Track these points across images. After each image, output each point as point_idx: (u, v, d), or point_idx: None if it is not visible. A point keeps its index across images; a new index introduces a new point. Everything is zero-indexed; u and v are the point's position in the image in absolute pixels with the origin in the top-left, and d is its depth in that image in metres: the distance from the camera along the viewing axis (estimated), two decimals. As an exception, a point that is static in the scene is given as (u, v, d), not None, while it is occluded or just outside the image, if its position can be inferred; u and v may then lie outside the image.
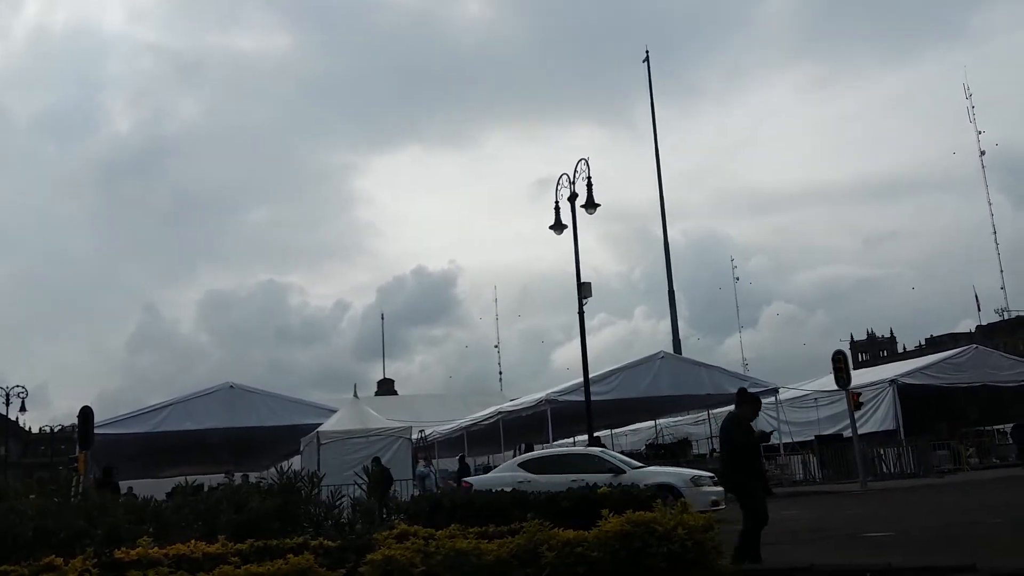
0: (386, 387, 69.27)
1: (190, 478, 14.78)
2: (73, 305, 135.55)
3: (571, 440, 35.14)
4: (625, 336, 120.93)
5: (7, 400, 39.07)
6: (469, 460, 28.69)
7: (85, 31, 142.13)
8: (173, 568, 6.65)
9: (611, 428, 35.95)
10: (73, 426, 32.55)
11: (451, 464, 30.07)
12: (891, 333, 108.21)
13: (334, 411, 26.84)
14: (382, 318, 71.59)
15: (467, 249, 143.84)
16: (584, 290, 22.03)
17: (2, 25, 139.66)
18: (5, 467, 59.72)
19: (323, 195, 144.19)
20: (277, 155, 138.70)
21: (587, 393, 21.73)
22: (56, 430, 75.23)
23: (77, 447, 22.36)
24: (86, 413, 21.28)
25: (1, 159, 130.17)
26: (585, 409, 21.64)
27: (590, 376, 22.36)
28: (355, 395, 28.66)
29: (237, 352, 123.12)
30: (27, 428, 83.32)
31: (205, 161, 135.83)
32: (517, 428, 28.67)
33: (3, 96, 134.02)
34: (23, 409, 40.97)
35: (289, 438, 27.10)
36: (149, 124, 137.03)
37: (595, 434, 23.10)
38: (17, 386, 39.88)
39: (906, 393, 28.84)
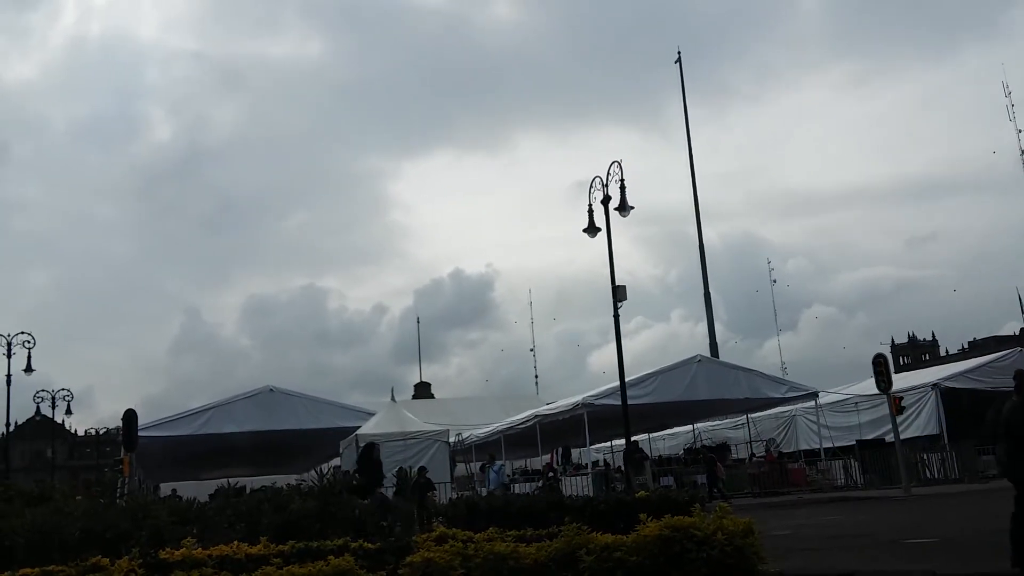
0: (423, 390, 69.43)
1: (232, 480, 14.99)
2: (116, 310, 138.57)
3: (608, 444, 35.06)
4: (662, 339, 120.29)
5: (53, 403, 39.76)
6: (500, 461, 28.57)
7: (122, 40, 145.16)
8: (216, 569, 6.77)
9: (648, 432, 35.76)
10: (118, 429, 33.15)
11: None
12: (933, 336, 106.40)
13: (372, 414, 27.05)
14: (417, 321, 71.86)
15: (503, 252, 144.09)
16: (619, 293, 21.92)
17: (40, 36, 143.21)
18: (52, 469, 61.00)
19: (358, 199, 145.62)
20: (313, 160, 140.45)
21: (623, 397, 21.62)
22: (101, 433, 76.82)
23: (122, 449, 22.79)
24: (130, 416, 21.68)
25: (43, 168, 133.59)
26: (622, 413, 21.55)
27: (627, 380, 22.25)
28: (392, 398, 28.89)
29: (277, 355, 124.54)
30: (73, 431, 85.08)
31: (243, 167, 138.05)
32: (554, 431, 28.62)
33: (43, 105, 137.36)
34: (69, 412, 41.60)
35: (328, 441, 27.35)
36: (188, 131, 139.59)
37: (632, 438, 23.00)
38: (63, 389, 40.58)
39: (949, 397, 28.31)
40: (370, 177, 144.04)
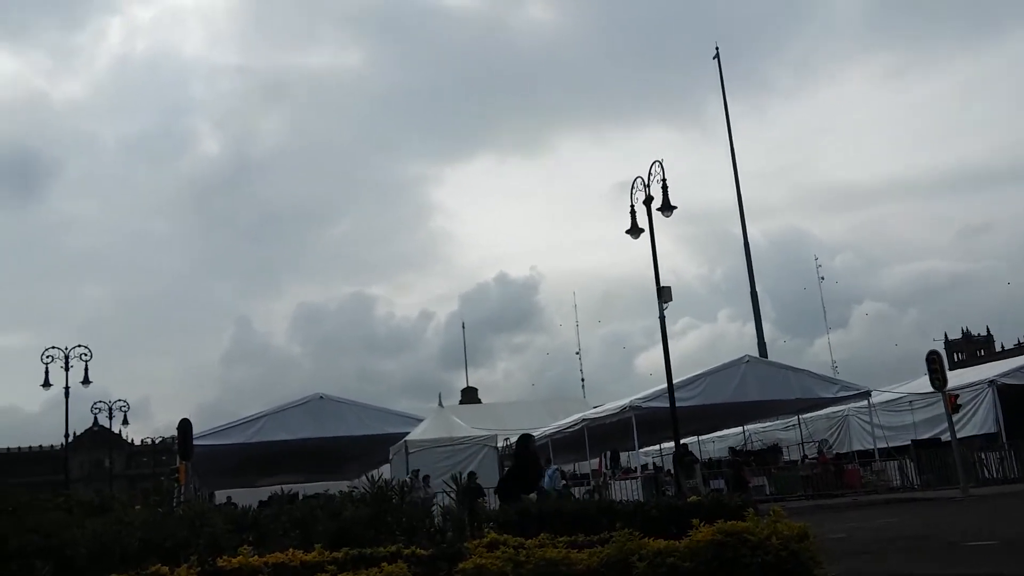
0: (470, 395, 69.74)
1: (285, 487, 15.18)
2: (169, 322, 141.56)
3: (657, 447, 34.81)
4: (710, 339, 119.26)
5: (110, 414, 40.68)
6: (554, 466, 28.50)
7: (167, 57, 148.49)
8: (273, 576, 6.88)
9: (698, 435, 35.45)
10: (173, 438, 33.81)
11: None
12: (987, 331, 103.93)
13: (420, 420, 27.25)
14: (463, 327, 72.20)
15: (547, 255, 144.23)
16: (664, 294, 21.77)
17: (87, 55, 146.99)
18: (110, 478, 62.42)
19: (402, 207, 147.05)
20: (356, 169, 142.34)
21: (672, 399, 21.47)
22: (157, 442, 78.52)
23: (178, 458, 23.22)
24: (185, 426, 22.06)
25: (94, 184, 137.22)
26: (670, 415, 21.40)
27: (674, 381, 22.09)
28: (440, 404, 29.07)
29: (327, 363, 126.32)
30: (130, 440, 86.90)
31: (289, 178, 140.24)
32: (602, 435, 28.52)
33: (93, 123, 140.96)
34: (126, 422, 42.46)
35: (378, 447, 27.60)
36: (234, 144, 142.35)
37: (682, 440, 22.83)
38: (119, 400, 41.47)
39: (1006, 394, 27.62)
40: (413, 184, 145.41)
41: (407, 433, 25.42)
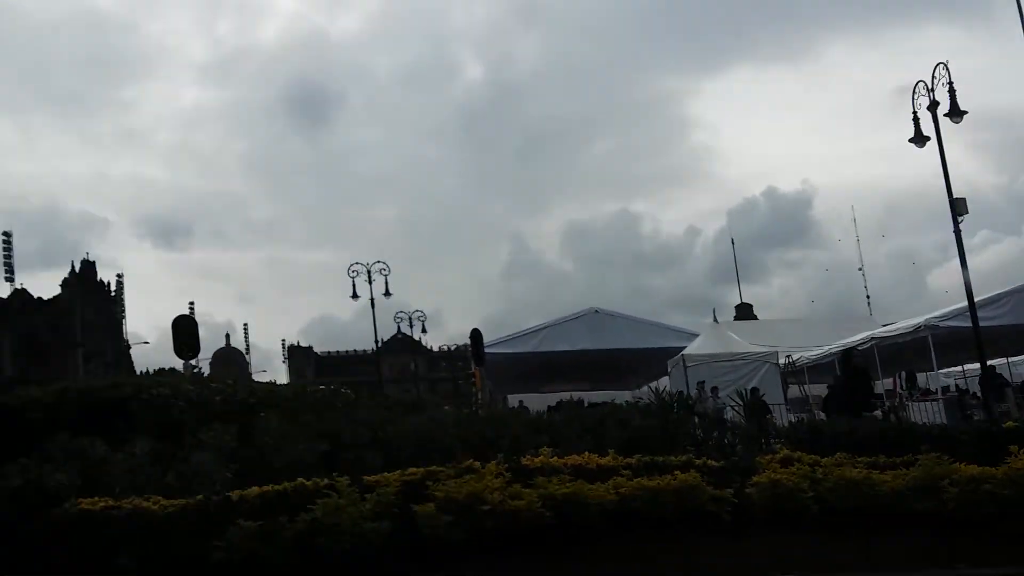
0: (744, 311, 67.91)
1: (572, 394, 15.98)
2: (452, 239, 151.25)
3: (959, 368, 32.12)
4: (1015, 254, 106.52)
5: (411, 323, 44.22)
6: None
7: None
8: (572, 476, 7.40)
9: (1007, 356, 32.18)
10: (466, 345, 36.35)
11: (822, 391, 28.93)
12: None
13: (695, 335, 27.18)
14: (732, 243, 70.01)
15: (819, 167, 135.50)
16: (959, 206, 19.71)
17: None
18: (416, 380, 68.91)
19: (661, 122, 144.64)
20: (613, 87, 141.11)
21: (974, 318, 19.61)
22: (452, 349, 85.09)
23: (472, 364, 25.07)
24: (476, 335, 23.59)
25: (374, 112, 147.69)
26: (973, 335, 19.62)
27: (976, 299, 20.12)
28: (715, 319, 28.76)
29: (598, 278, 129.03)
30: (428, 347, 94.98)
31: (548, 99, 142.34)
32: (893, 355, 26.78)
33: (368, 55, 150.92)
34: (424, 331, 45.94)
35: (652, 360, 27.95)
36: (495, 69, 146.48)
37: (989, 362, 20.91)
38: (417, 311, 44.95)
39: None
40: (670, 99, 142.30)
41: (682, 348, 25.46)
